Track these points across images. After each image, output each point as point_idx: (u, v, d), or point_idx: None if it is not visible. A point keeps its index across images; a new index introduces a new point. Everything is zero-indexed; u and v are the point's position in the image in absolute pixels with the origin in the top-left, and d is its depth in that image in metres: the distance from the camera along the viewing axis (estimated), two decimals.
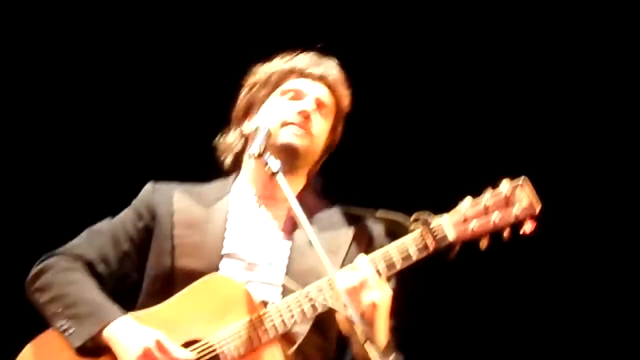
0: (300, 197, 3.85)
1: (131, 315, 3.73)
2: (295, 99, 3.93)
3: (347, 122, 4.09)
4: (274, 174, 3.60)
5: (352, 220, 3.90)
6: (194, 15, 5.59)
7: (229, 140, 4.05)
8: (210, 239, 3.81)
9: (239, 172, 4.03)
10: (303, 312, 3.62)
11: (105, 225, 3.95)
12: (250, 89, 4.04)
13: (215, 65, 5.35)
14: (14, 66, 5.55)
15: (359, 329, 3.33)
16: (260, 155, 3.65)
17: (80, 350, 3.69)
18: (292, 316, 3.62)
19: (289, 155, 3.84)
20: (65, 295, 3.75)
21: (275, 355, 3.62)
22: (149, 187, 3.99)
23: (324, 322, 3.68)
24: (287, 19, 5.47)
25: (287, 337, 3.68)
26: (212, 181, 4.04)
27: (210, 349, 3.64)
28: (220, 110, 4.14)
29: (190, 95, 5.49)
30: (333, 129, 4.03)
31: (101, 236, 3.90)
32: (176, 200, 3.90)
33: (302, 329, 3.70)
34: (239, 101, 4.06)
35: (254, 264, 3.78)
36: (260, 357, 3.61)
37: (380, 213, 3.77)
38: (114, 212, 3.98)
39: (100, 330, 3.67)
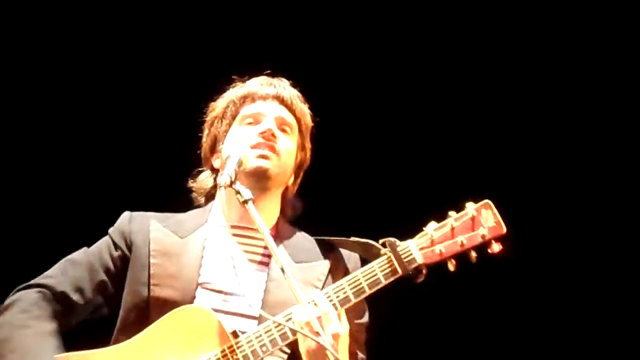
0: (276, 225, 3.91)
1: (104, 350, 3.74)
2: (255, 123, 3.93)
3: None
4: (245, 202, 3.59)
5: (328, 250, 3.89)
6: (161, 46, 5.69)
7: (201, 178, 4.06)
8: (186, 269, 3.80)
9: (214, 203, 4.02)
10: (274, 341, 3.61)
11: (81, 254, 3.94)
12: (211, 125, 4.05)
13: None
14: None
15: (332, 357, 3.31)
16: (231, 184, 3.63)
17: None
18: (263, 345, 3.61)
19: (260, 178, 3.84)
20: (8, 340, 3.73)
21: None
22: (125, 216, 3.99)
23: (298, 355, 3.65)
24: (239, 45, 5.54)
25: None
26: (189, 211, 4.04)
27: None
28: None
29: (164, 126, 5.52)
30: (300, 146, 4.02)
31: (76, 266, 3.90)
32: (153, 229, 3.89)
33: None
34: (203, 141, 4.08)
35: (230, 294, 3.77)
36: None
37: (354, 239, 3.76)
38: (89, 242, 3.98)
39: None
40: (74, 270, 3.89)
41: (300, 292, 3.44)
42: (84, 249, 3.96)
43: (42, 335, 3.76)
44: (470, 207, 3.58)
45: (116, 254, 3.91)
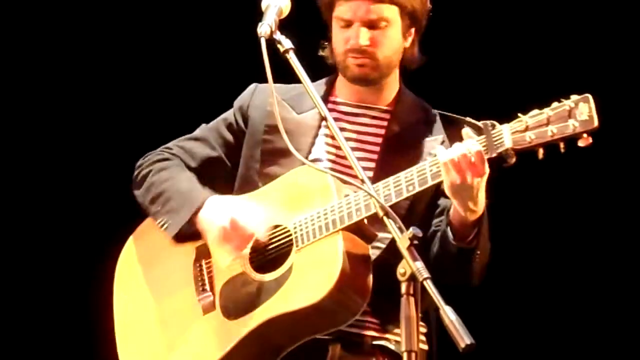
0: (395, 100, 4.02)
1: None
2: (346, 27, 3.91)
3: None
4: (286, 52, 3.64)
5: (446, 123, 3.95)
6: None
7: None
8: (298, 146, 3.82)
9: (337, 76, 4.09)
10: (412, 184, 3.70)
11: (198, 131, 4.15)
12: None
13: None
14: None
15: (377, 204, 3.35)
16: (271, 34, 3.64)
17: (180, 237, 3.98)
18: (359, 209, 3.72)
19: (364, 82, 3.95)
20: (162, 193, 4.01)
21: (334, 244, 3.72)
22: (250, 88, 4.14)
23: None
24: None
25: (365, 235, 3.80)
26: (317, 81, 4.07)
27: (287, 234, 3.84)
28: None
29: None
30: (406, 29, 3.94)
31: (192, 140, 4.13)
32: (270, 103, 3.92)
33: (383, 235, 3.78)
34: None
35: (340, 173, 3.81)
36: (322, 244, 3.75)
37: (469, 120, 3.78)
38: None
39: (193, 216, 3.92)
40: (190, 143, 4.12)
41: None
42: (202, 125, 4.17)
43: (190, 179, 4.04)
44: (571, 99, 3.54)
45: (234, 126, 4.09)
